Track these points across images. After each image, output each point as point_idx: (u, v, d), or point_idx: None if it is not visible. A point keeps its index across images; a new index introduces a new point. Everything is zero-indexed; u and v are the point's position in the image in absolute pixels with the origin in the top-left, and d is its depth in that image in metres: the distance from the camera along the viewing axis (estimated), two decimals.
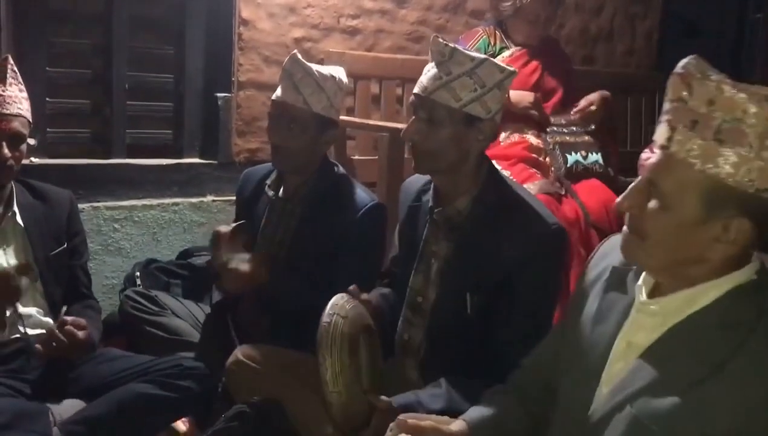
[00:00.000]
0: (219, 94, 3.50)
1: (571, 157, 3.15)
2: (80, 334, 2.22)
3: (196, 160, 3.58)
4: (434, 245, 1.99)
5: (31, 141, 2.37)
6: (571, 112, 3.25)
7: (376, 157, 3.12)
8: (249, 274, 2.22)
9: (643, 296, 1.29)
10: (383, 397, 1.76)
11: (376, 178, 3.04)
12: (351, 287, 1.91)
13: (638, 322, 1.29)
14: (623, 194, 1.26)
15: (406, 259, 2.09)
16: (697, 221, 1.16)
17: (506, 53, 3.26)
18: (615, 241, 1.40)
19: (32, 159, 3.09)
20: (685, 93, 1.15)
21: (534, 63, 3.27)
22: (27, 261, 2.30)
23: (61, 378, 2.30)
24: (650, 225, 1.21)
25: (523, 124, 3.21)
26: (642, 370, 1.23)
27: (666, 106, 1.19)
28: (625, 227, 1.29)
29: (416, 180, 2.14)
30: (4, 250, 2.33)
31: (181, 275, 3.16)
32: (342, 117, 3.18)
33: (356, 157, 3.47)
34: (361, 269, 2.22)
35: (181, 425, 2.47)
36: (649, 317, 1.27)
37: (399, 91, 3.77)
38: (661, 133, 1.19)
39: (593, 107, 3.23)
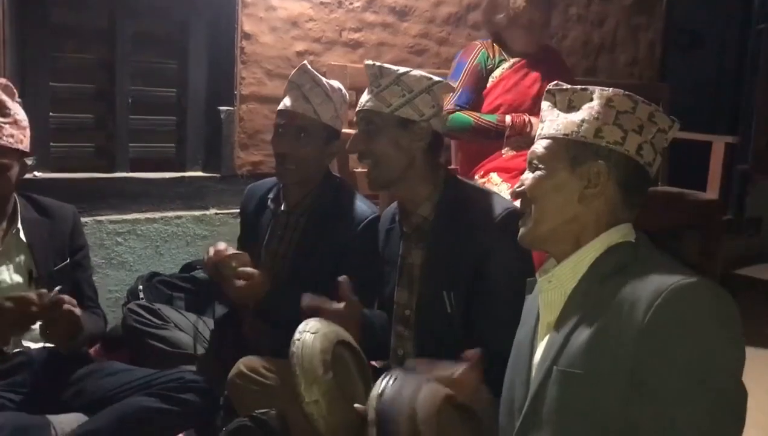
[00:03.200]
0: (222, 108, 3.52)
1: None
2: (77, 310, 2.20)
3: (199, 173, 3.59)
4: (410, 257, 2.09)
5: (29, 161, 2.37)
6: None
7: None
8: (248, 287, 2.22)
9: (540, 276, 1.53)
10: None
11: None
12: (306, 301, 1.99)
13: (545, 302, 1.51)
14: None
15: (389, 277, 2.15)
16: (567, 176, 1.45)
17: (506, 65, 3.27)
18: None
19: (36, 173, 3.11)
20: (552, 101, 1.53)
21: (534, 74, 3.27)
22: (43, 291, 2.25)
23: (64, 391, 2.30)
24: (533, 190, 1.48)
25: (523, 141, 3.21)
26: (556, 337, 1.43)
27: (542, 114, 1.55)
28: (521, 220, 1.54)
29: (392, 207, 2.24)
30: (8, 266, 2.33)
31: (184, 288, 3.16)
32: (345, 130, 3.20)
33: (358, 169, 3.47)
34: (362, 281, 2.22)
35: None
36: (551, 292, 1.49)
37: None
38: (538, 130, 1.55)
39: None
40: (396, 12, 3.87)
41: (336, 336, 1.82)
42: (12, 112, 2.26)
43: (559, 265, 1.48)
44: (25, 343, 2.33)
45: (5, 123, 2.23)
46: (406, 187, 2.06)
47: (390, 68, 2.04)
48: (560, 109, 1.50)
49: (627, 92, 1.46)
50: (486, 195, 2.06)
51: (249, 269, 2.24)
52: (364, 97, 2.07)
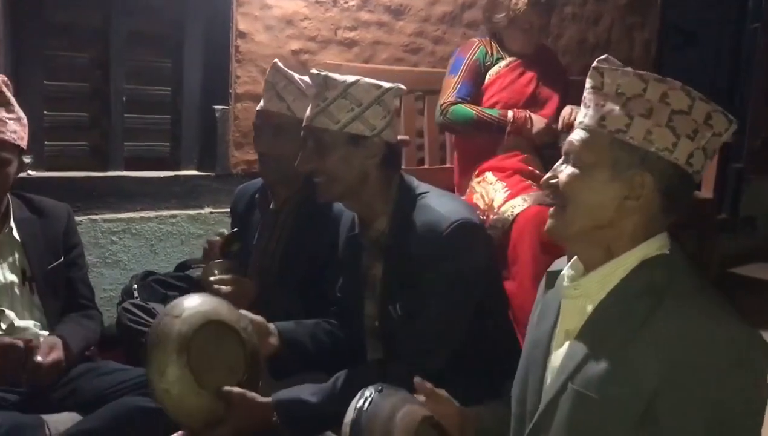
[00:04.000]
0: (216, 107, 3.51)
1: None
2: (54, 355, 2.20)
3: (194, 172, 3.59)
4: (372, 269, 2.03)
5: (27, 159, 2.37)
6: (558, 127, 3.22)
7: None
8: (234, 294, 2.21)
9: (566, 282, 1.42)
10: (235, 389, 1.77)
11: None
12: None
13: (568, 308, 1.41)
14: (548, 173, 1.42)
15: (350, 287, 2.13)
16: (608, 179, 1.32)
17: (502, 63, 3.28)
18: (560, 260, 1.54)
19: (30, 172, 3.10)
20: (599, 82, 1.35)
21: (529, 74, 3.28)
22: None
23: (58, 391, 2.29)
24: (569, 189, 1.36)
25: (519, 143, 3.22)
26: (577, 349, 1.34)
27: (585, 94, 1.38)
28: (550, 209, 1.42)
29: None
30: (1, 265, 2.33)
31: (179, 287, 3.15)
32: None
33: None
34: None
35: None
36: (576, 300, 1.39)
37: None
38: (579, 115, 1.39)
39: (574, 112, 3.19)
40: (391, 11, 3.87)
41: (202, 317, 1.77)
42: (15, 109, 2.27)
43: (588, 275, 1.38)
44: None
45: (10, 119, 2.24)
46: (360, 202, 1.99)
47: (336, 79, 1.92)
48: (607, 94, 1.33)
49: (684, 86, 1.31)
50: (439, 204, 1.93)
51: (233, 277, 2.26)
52: (310, 111, 1.95)
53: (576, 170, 1.35)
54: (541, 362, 1.44)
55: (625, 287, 1.32)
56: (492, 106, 3.22)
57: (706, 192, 4.08)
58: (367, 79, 1.94)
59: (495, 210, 3.00)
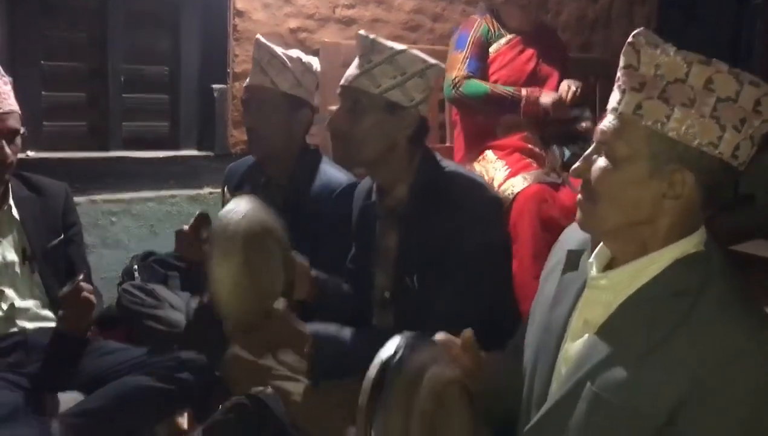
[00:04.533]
0: (215, 86, 3.50)
1: (568, 151, 3.15)
2: (93, 298, 2.24)
3: (193, 152, 3.58)
4: (386, 239, 2.03)
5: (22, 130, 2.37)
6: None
7: None
8: None
9: (594, 272, 1.33)
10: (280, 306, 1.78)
11: None
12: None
13: (591, 299, 1.32)
14: (577, 162, 1.31)
15: (362, 257, 2.12)
16: (644, 175, 1.21)
17: (502, 41, 3.27)
18: (574, 227, 1.43)
19: (29, 153, 3.10)
20: (634, 60, 1.22)
21: (529, 51, 3.27)
22: None
23: (60, 371, 2.30)
24: (601, 184, 1.25)
25: (520, 122, 3.21)
26: (598, 346, 1.26)
27: (618, 74, 1.25)
28: (579, 196, 1.32)
29: (367, 182, 2.16)
30: (1, 244, 2.33)
31: (179, 268, 3.16)
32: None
33: None
34: (340, 248, 2.21)
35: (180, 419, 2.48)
36: (601, 292, 1.30)
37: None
38: (612, 98, 1.26)
39: (572, 87, 3.17)
40: None
41: (262, 223, 1.77)
42: (8, 80, 2.28)
43: (617, 269, 1.29)
44: (21, 323, 2.33)
45: (6, 90, 2.26)
46: (381, 170, 1.97)
47: (384, 44, 1.91)
48: (644, 76, 1.21)
49: (732, 68, 1.18)
50: (464, 179, 1.95)
51: None
52: (351, 71, 1.94)
53: (609, 164, 1.24)
54: (553, 350, 1.36)
55: (656, 285, 1.23)
56: (493, 84, 3.21)
57: None
58: (414, 51, 1.94)
59: (495, 189, 3.00)
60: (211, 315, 2.53)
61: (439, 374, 1.31)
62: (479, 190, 1.93)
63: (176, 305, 2.87)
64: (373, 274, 2.07)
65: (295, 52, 2.41)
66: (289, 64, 2.35)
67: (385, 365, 1.31)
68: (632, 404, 1.19)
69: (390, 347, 1.33)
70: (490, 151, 3.17)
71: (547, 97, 3.13)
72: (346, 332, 1.89)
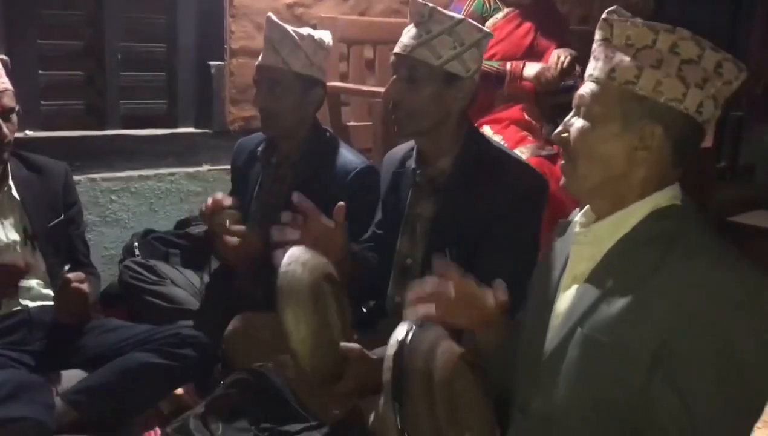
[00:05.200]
0: (212, 63, 3.49)
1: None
2: (84, 287, 2.25)
3: (191, 129, 3.57)
4: (419, 208, 2.03)
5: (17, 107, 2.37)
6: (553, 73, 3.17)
7: (371, 123, 3.11)
8: (242, 247, 2.24)
9: (578, 228, 1.45)
10: (355, 345, 1.76)
11: (371, 144, 3.03)
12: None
13: (577, 254, 1.43)
14: (558, 128, 1.43)
15: (390, 224, 2.11)
16: (618, 131, 1.33)
17: (499, 15, 3.24)
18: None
19: (27, 132, 3.09)
20: (608, 33, 1.35)
21: (527, 24, 3.24)
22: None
23: (63, 349, 2.32)
24: (578, 144, 1.37)
25: (515, 95, 3.20)
26: (585, 294, 1.36)
27: (594, 45, 1.38)
28: (561, 161, 1.44)
29: (400, 149, 2.18)
30: (2, 224, 2.34)
31: (179, 245, 3.17)
32: (336, 83, 3.17)
33: (351, 123, 3.45)
34: (352, 232, 2.22)
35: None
36: (585, 247, 1.41)
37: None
38: (588, 67, 1.39)
39: (562, 57, 3.14)
40: None
41: (322, 269, 1.77)
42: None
43: (598, 222, 1.40)
44: (24, 301, 2.35)
45: (1, 70, 2.26)
46: (432, 139, 1.98)
47: (444, 14, 1.91)
48: (616, 46, 1.33)
49: (694, 35, 1.30)
50: (508, 156, 2.00)
51: (242, 228, 2.26)
52: (408, 39, 1.92)
53: (586, 123, 1.36)
54: (548, 306, 1.46)
55: (636, 234, 1.34)
56: (490, 58, 3.19)
57: (705, 141, 4.07)
58: (471, 21, 1.94)
59: None
60: (218, 292, 2.57)
61: (449, 349, 1.45)
62: (529, 171, 1.96)
63: (178, 282, 2.89)
64: (397, 240, 2.07)
65: (306, 30, 2.39)
66: (300, 43, 2.33)
67: (401, 343, 1.44)
68: (622, 341, 1.28)
69: (402, 330, 1.47)
70: (487, 126, 3.16)
71: (531, 69, 3.10)
72: None
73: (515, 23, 3.23)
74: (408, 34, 1.93)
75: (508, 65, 3.13)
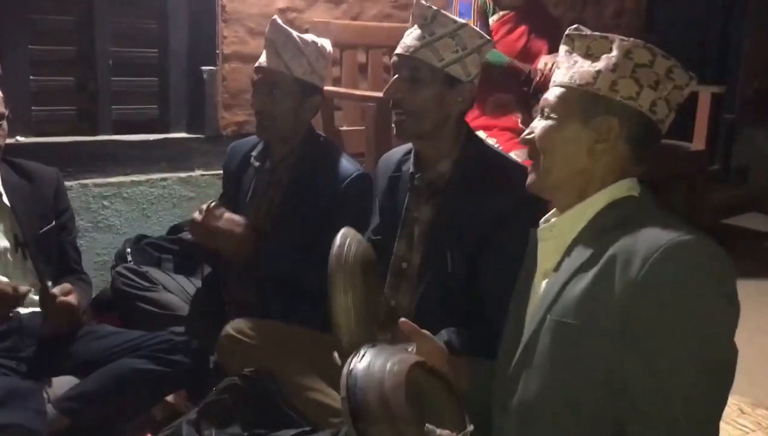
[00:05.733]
0: (204, 68, 3.48)
1: None
2: (71, 298, 2.25)
3: (183, 134, 3.57)
4: (416, 211, 2.03)
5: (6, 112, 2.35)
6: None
7: (364, 127, 3.11)
8: (238, 235, 2.26)
9: (541, 225, 1.53)
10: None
11: (364, 148, 3.03)
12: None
13: (545, 250, 1.52)
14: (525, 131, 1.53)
15: (387, 228, 2.11)
16: (578, 127, 1.43)
17: (495, 17, 3.27)
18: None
19: (18, 138, 3.08)
20: (571, 47, 1.49)
21: (521, 28, 3.26)
22: None
23: (55, 356, 2.31)
24: (543, 141, 1.47)
25: (509, 100, 3.20)
26: (551, 285, 1.45)
27: (558, 59, 1.52)
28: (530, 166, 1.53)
29: (395, 153, 2.18)
30: None
31: (172, 250, 3.16)
32: (329, 87, 3.16)
33: (344, 127, 3.46)
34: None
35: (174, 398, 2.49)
36: (551, 242, 1.50)
37: (386, 59, 3.75)
38: (554, 76, 1.51)
39: (549, 63, 3.14)
40: None
41: (371, 252, 1.79)
42: None
43: (560, 216, 1.49)
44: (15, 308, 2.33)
45: None
46: (431, 142, 1.99)
47: (447, 17, 1.93)
48: (578, 56, 1.46)
49: (647, 44, 1.43)
50: (506, 160, 2.01)
51: (234, 217, 2.28)
52: (411, 40, 1.94)
53: (549, 123, 1.46)
54: (524, 305, 1.53)
55: (594, 224, 1.43)
56: None
57: (698, 143, 4.08)
58: (473, 26, 1.98)
59: None
60: (211, 298, 2.56)
61: (402, 361, 1.45)
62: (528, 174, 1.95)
63: (170, 288, 2.88)
64: (392, 244, 2.07)
65: (310, 37, 2.39)
66: (304, 49, 2.33)
67: (350, 375, 1.41)
68: (589, 320, 1.35)
69: (356, 352, 1.48)
70: (481, 131, 3.16)
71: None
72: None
73: (509, 26, 3.26)
74: (411, 36, 1.95)
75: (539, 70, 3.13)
